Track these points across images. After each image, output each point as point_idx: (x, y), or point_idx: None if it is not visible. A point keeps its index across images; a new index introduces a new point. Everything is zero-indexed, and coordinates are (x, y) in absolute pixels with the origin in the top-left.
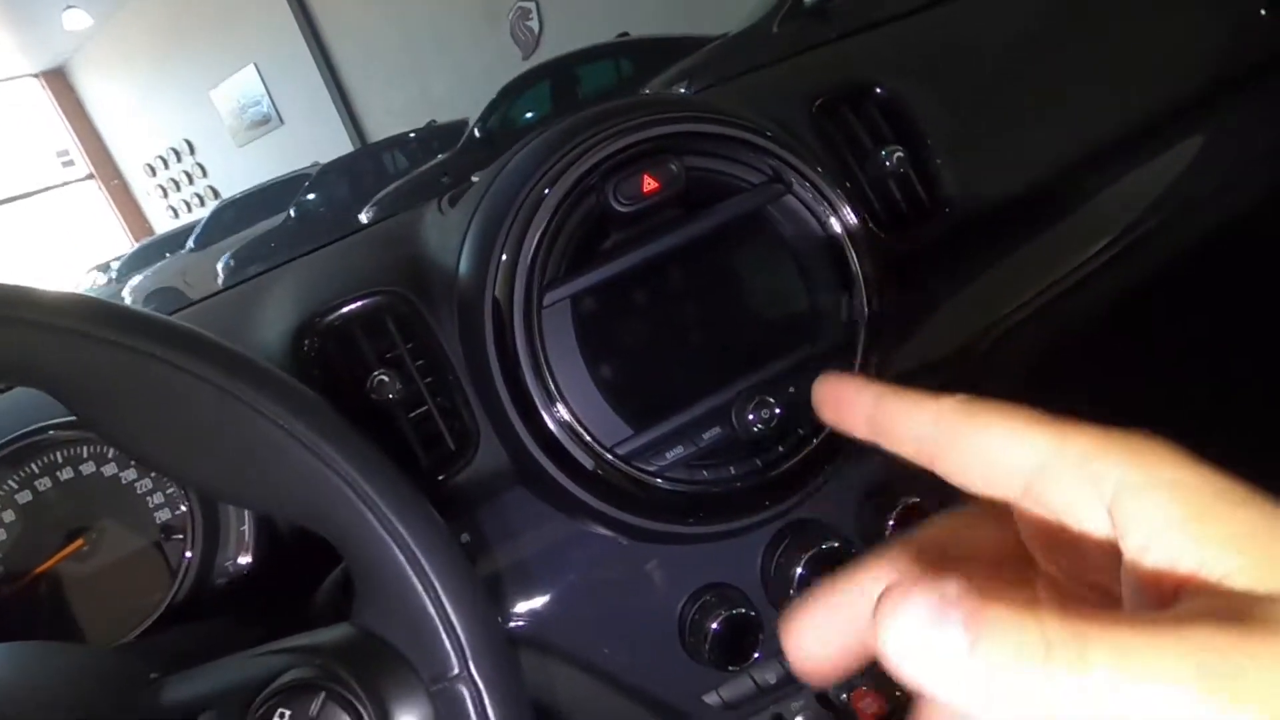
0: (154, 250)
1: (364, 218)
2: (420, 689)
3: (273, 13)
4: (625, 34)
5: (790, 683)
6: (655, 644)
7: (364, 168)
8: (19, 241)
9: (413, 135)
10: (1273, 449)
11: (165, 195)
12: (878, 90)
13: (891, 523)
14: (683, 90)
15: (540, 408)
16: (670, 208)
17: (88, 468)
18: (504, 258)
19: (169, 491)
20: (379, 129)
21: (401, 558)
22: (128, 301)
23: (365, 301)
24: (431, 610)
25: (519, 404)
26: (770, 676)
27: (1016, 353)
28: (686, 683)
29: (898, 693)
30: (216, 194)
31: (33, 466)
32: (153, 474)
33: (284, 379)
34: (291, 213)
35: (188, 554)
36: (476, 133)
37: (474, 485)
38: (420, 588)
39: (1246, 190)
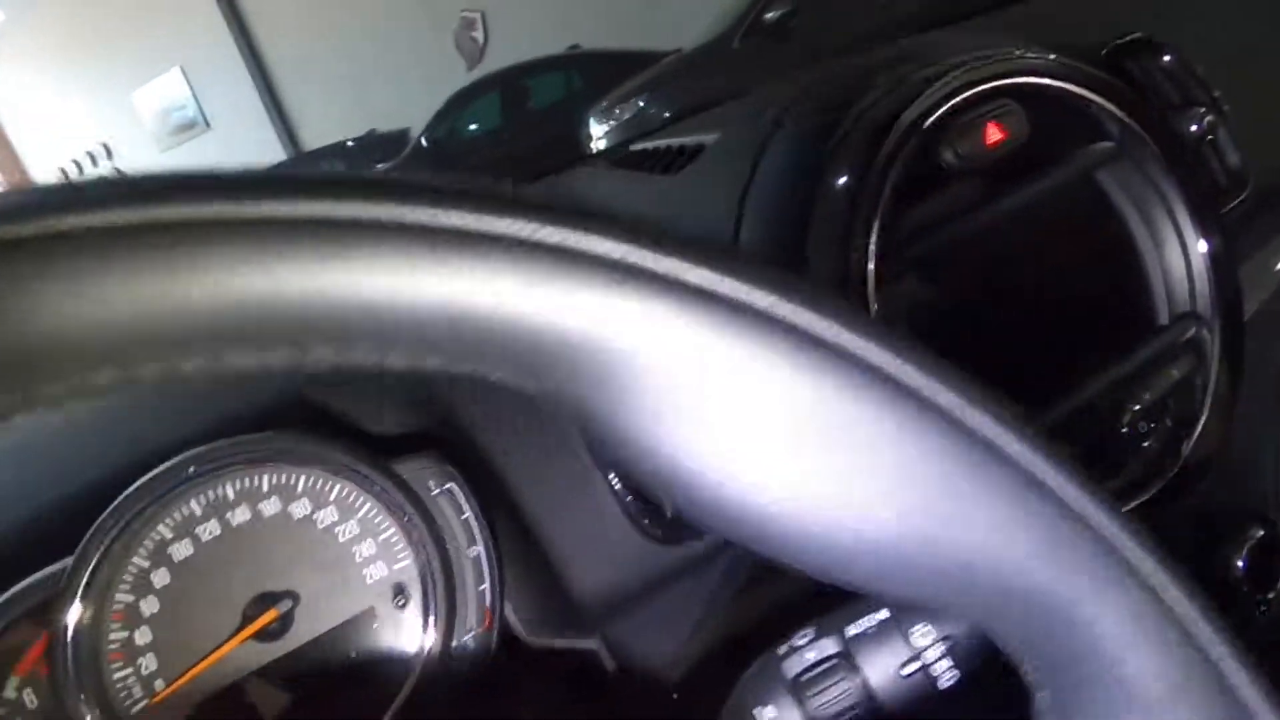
0: None
1: None
2: None
3: (200, 12)
4: (576, 46)
5: None
6: None
7: None
8: None
9: (351, 144)
10: None
11: None
12: (1165, 52)
13: (1242, 560)
14: (641, 103)
15: None
16: (992, 172)
17: (269, 507)
18: (830, 212)
19: (384, 536)
20: (315, 137)
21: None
22: None
23: None
24: None
25: None
26: None
27: None
28: None
29: None
30: None
31: (192, 507)
32: (360, 515)
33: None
34: None
35: (427, 626)
36: (423, 142)
37: None
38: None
39: None
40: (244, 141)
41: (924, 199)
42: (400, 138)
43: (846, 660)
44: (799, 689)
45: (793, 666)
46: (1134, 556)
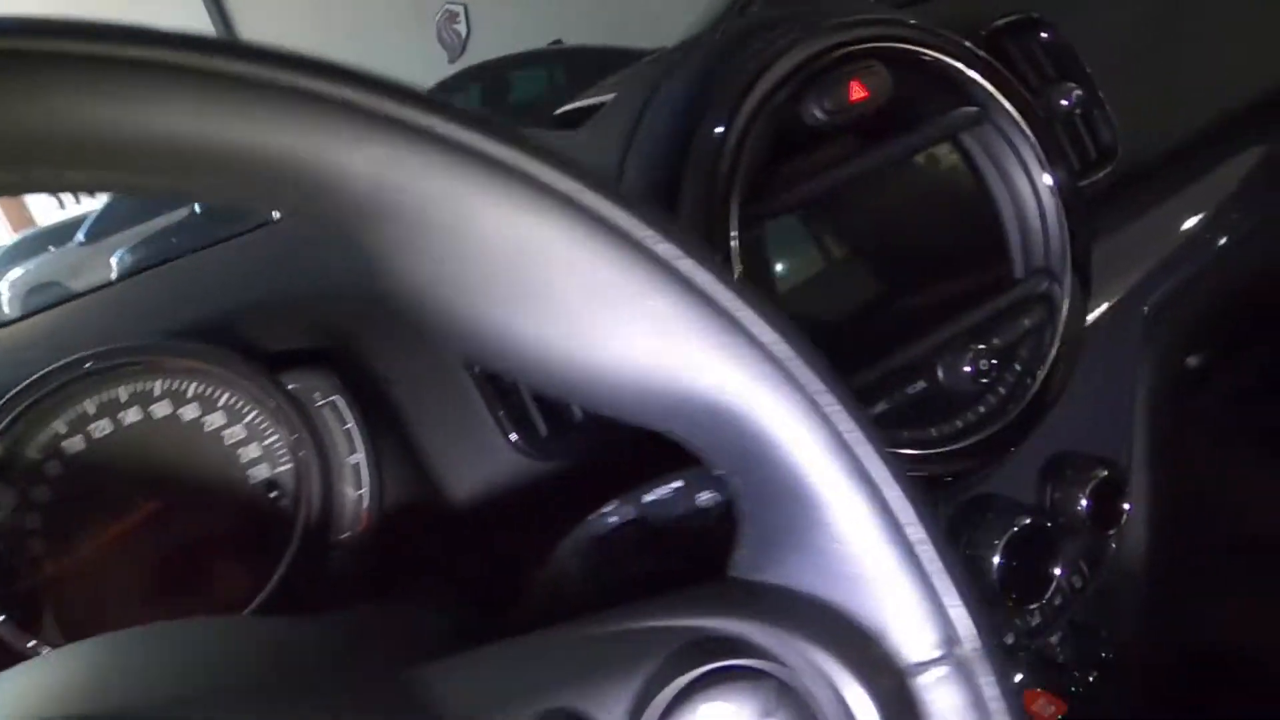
0: (36, 242)
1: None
2: (895, 676)
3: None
4: (559, 41)
5: None
6: None
7: None
8: None
9: None
10: None
11: None
12: (1042, 34)
13: (1086, 500)
14: None
15: None
16: (856, 129)
17: (161, 409)
18: (696, 160)
19: (269, 442)
20: None
21: (868, 494)
22: (5, 297)
23: None
24: (911, 572)
25: None
26: None
27: (1180, 311)
28: None
29: (1073, 689)
30: None
31: (86, 406)
32: (247, 420)
33: (652, 210)
34: (197, 207)
35: (299, 519)
36: None
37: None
38: (896, 539)
39: None
40: None
41: (803, 152)
42: None
43: (640, 523)
44: (600, 546)
45: (597, 529)
46: (792, 367)
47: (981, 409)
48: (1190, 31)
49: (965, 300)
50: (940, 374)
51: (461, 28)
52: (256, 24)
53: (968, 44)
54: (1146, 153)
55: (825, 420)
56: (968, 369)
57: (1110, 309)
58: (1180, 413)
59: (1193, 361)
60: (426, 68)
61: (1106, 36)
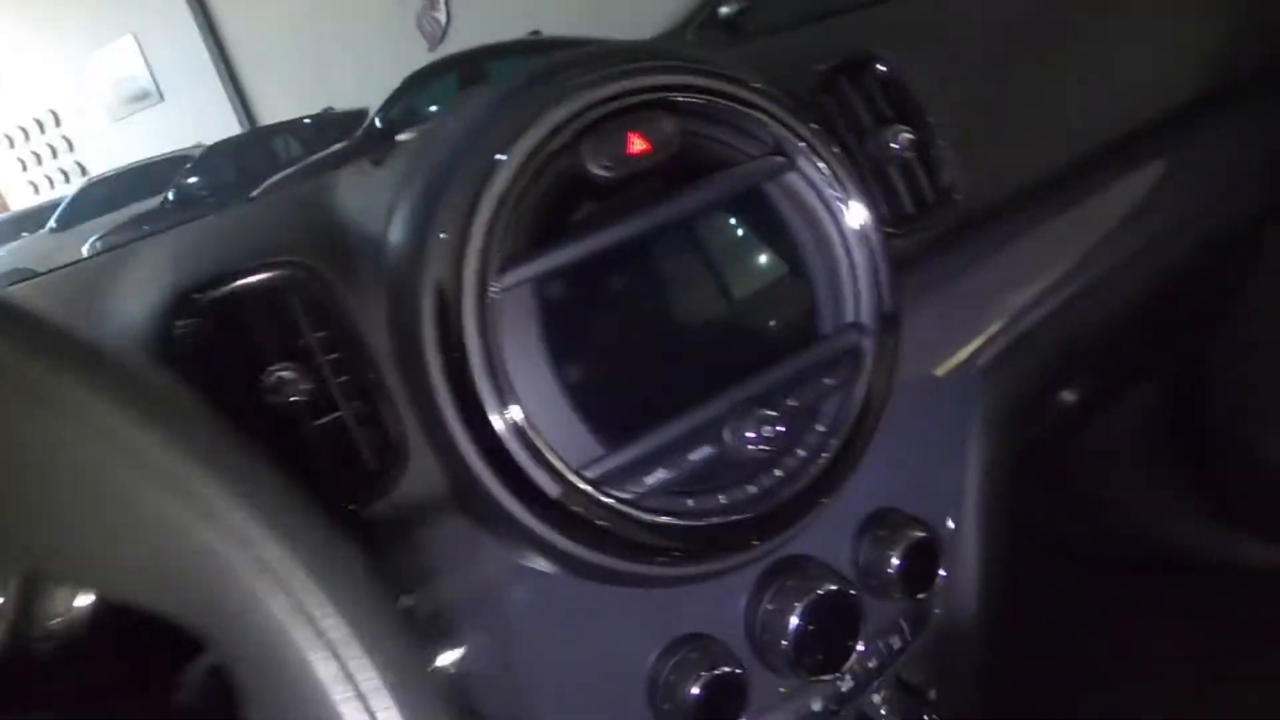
0: (9, 227)
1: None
2: None
3: None
4: (537, 32)
5: None
6: (618, 710)
7: (254, 152)
8: None
9: (308, 121)
10: None
11: (25, 169)
12: (878, 66)
13: (897, 559)
14: None
15: (491, 415)
16: (656, 178)
17: None
18: (448, 230)
19: None
20: (270, 113)
21: (333, 664)
22: None
23: (263, 275)
24: None
25: (464, 410)
26: None
27: (1018, 364)
28: None
29: None
30: (84, 170)
31: None
32: None
33: (122, 361)
34: (170, 195)
35: None
36: (378, 122)
37: (398, 516)
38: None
39: (1238, 205)
40: (198, 115)
41: (599, 199)
42: (357, 117)
43: None
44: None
45: None
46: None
47: (778, 472)
48: (1042, 72)
49: (764, 359)
50: (727, 439)
51: (441, 15)
52: (230, 6)
53: (767, 88)
54: (993, 195)
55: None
56: (752, 435)
57: (941, 362)
58: (1016, 473)
59: (1026, 430)
60: (406, 55)
61: (955, 74)
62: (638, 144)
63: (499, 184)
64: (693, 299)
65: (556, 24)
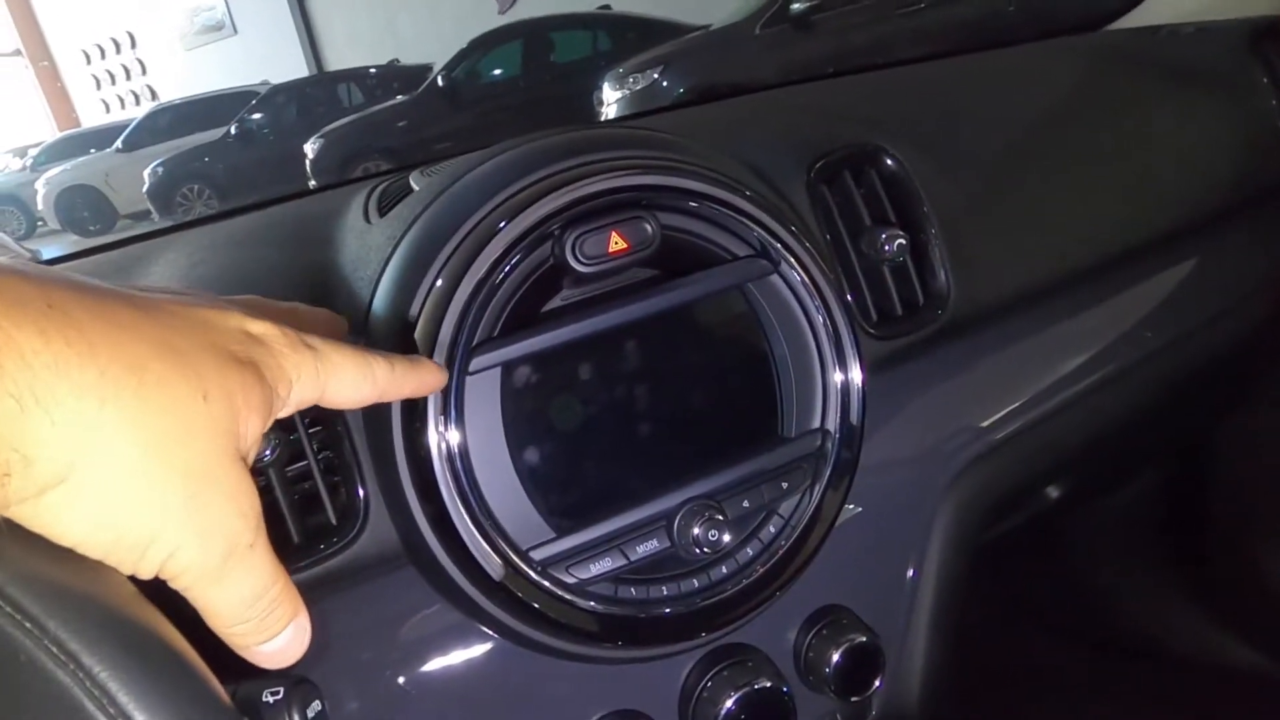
0: (78, 143)
1: (308, 149)
2: None
3: None
4: (607, 6)
5: None
6: None
7: (317, 96)
8: None
9: (373, 71)
10: None
11: (99, 87)
12: (886, 161)
13: (837, 658)
14: (655, 76)
15: (444, 491)
16: (635, 269)
17: None
18: (430, 302)
19: None
20: (338, 59)
21: None
22: (40, 194)
23: None
24: None
25: (419, 481)
26: None
27: (991, 470)
28: None
29: None
30: (154, 94)
31: None
32: None
33: None
34: (232, 129)
35: None
36: (440, 81)
37: (351, 570)
38: None
39: (1243, 318)
40: (268, 53)
41: (579, 286)
42: (421, 72)
43: None
44: None
45: None
46: None
47: (724, 569)
48: (1049, 181)
49: (724, 456)
50: (675, 536)
51: None
52: None
53: (755, 195)
54: (984, 301)
55: None
56: (698, 533)
57: (906, 468)
58: (968, 584)
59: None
60: (476, 14)
61: (961, 176)
62: (618, 242)
63: (479, 270)
64: (659, 390)
65: (627, 1)
